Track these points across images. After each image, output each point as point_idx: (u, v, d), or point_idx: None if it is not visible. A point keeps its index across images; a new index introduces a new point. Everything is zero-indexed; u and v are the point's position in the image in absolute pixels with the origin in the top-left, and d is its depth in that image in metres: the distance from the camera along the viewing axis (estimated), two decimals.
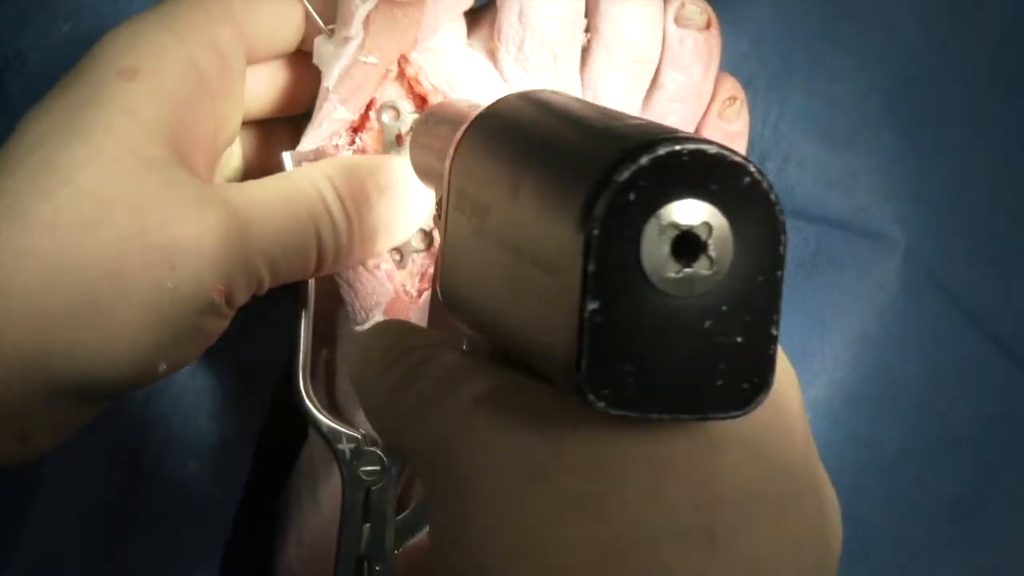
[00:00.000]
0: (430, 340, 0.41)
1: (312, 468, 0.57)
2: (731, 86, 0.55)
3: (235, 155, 0.54)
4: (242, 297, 0.48)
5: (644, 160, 0.31)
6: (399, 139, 0.52)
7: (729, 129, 0.55)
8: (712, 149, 0.32)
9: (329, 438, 0.53)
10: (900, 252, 0.61)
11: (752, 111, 0.60)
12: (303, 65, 0.53)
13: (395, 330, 0.43)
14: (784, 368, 0.36)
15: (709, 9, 0.53)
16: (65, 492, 0.58)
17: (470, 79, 0.52)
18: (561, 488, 0.34)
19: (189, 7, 0.49)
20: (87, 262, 0.45)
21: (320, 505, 0.56)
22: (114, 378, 0.46)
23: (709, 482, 0.34)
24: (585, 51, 0.53)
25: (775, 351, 0.33)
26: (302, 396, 0.53)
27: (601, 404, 0.32)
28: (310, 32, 0.52)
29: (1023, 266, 0.62)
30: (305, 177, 0.50)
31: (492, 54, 0.53)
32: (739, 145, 0.56)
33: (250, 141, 0.54)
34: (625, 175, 0.31)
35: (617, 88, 0.53)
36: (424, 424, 0.37)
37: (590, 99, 0.53)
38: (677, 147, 0.32)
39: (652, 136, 0.32)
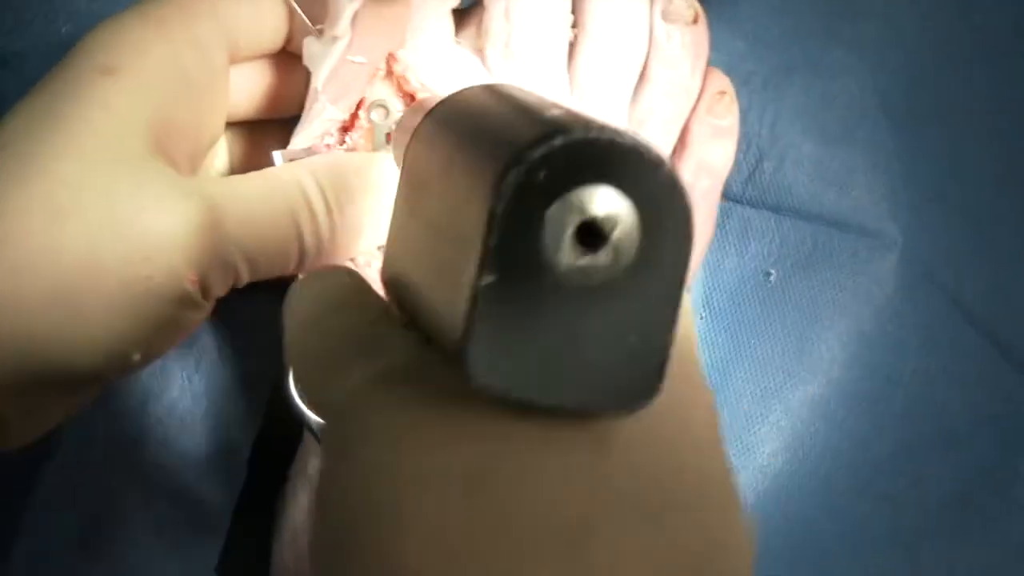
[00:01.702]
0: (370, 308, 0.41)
1: (306, 466, 0.57)
2: (720, 81, 0.55)
3: (220, 156, 0.54)
4: (219, 289, 0.48)
5: (558, 141, 0.31)
6: (389, 137, 0.52)
7: (719, 124, 0.55)
8: (628, 141, 0.31)
9: (317, 433, 0.53)
10: (897, 251, 0.60)
11: (749, 110, 0.60)
12: (289, 66, 0.53)
13: (329, 297, 0.42)
14: (685, 352, 0.35)
15: (696, 4, 0.53)
16: (62, 495, 0.58)
17: (458, 77, 0.52)
18: (439, 460, 0.33)
19: (170, 4, 0.49)
20: (60, 249, 0.45)
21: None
22: (87, 366, 0.46)
23: (586, 479, 0.32)
24: (572, 47, 0.53)
25: (666, 360, 0.32)
26: (291, 392, 0.53)
27: (481, 380, 0.32)
28: (296, 32, 0.52)
29: (1021, 265, 0.61)
30: (287, 172, 0.50)
31: (480, 51, 0.53)
32: (730, 140, 0.56)
33: (238, 144, 0.55)
34: (537, 153, 0.31)
35: (605, 84, 0.53)
36: (326, 392, 0.37)
37: (578, 96, 0.53)
38: (592, 134, 0.31)
39: (572, 121, 0.32)
